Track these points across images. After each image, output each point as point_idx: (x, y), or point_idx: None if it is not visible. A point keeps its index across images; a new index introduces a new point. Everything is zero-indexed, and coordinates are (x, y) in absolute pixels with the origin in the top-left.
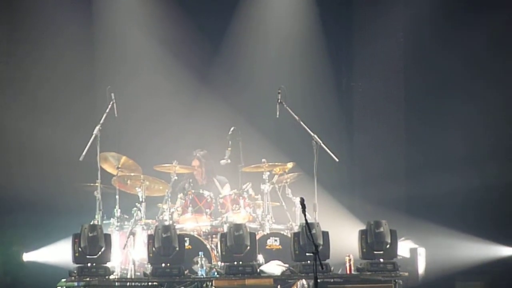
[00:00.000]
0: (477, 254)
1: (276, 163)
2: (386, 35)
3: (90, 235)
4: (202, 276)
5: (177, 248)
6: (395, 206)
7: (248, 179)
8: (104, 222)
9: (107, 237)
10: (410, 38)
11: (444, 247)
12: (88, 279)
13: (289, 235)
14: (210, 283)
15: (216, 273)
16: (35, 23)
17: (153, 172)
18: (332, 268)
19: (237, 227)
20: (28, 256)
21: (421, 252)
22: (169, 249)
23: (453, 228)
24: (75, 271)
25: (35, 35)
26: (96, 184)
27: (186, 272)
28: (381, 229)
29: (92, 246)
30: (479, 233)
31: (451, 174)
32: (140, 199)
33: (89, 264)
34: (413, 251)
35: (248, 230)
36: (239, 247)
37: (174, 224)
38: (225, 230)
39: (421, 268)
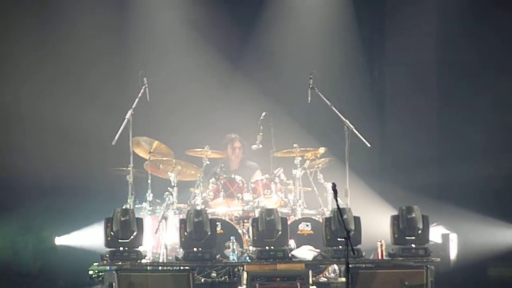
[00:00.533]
0: (510, 240)
1: (308, 148)
2: (419, 21)
3: (122, 219)
4: (233, 261)
5: (209, 233)
6: (427, 192)
7: (279, 164)
8: (136, 206)
9: (139, 221)
10: (442, 25)
11: (476, 233)
12: (120, 263)
13: (321, 220)
14: (242, 268)
15: (247, 258)
16: (67, 8)
17: (185, 156)
18: (363, 254)
19: (269, 212)
20: (60, 240)
21: (453, 238)
22: (200, 233)
23: (485, 214)
24: (107, 255)
25: (67, 20)
26: (129, 168)
27: (217, 256)
28: (413, 215)
29: (124, 230)
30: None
31: (483, 161)
32: (172, 184)
33: (121, 248)
34: (445, 236)
35: (280, 215)
36: (271, 232)
37: (206, 208)
38: (257, 215)
39: (453, 254)
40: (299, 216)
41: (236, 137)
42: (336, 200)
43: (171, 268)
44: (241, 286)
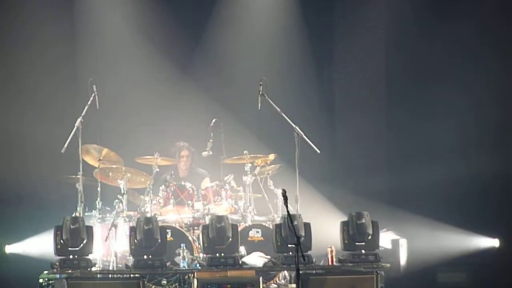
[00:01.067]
0: (459, 245)
1: (258, 155)
2: (368, 25)
3: (72, 227)
4: (184, 268)
5: (159, 240)
6: (377, 197)
7: (230, 171)
8: (86, 214)
9: (89, 229)
10: (392, 29)
11: (426, 238)
12: (70, 271)
13: (271, 227)
14: (192, 275)
15: (198, 265)
16: (16, 16)
17: (135, 164)
18: (314, 260)
19: (219, 219)
20: (11, 248)
21: (403, 243)
22: (151, 241)
23: (435, 219)
24: (57, 263)
25: (16, 28)
26: (78, 176)
27: (168, 264)
28: (363, 220)
29: (74, 238)
30: (461, 224)
31: (433, 165)
32: (122, 191)
33: (71, 256)
34: (395, 242)
35: (230, 221)
36: (221, 238)
37: (156, 216)
38: (207, 222)
39: (403, 259)
40: (249, 223)
41: (184, 146)
42: (286, 207)
43: (121, 276)
44: None
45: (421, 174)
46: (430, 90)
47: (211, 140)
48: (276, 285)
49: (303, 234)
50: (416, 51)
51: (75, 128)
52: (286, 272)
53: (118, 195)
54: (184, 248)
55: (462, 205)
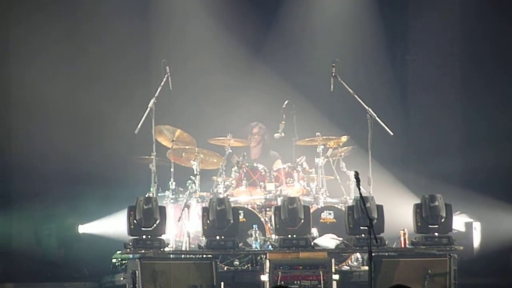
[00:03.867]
0: None
1: (330, 137)
2: (442, 6)
3: (145, 207)
4: (256, 249)
5: (232, 221)
6: (450, 180)
7: (302, 153)
8: (159, 194)
9: (162, 210)
10: (467, 9)
11: (500, 221)
12: (143, 251)
13: (343, 209)
14: (264, 256)
15: (270, 246)
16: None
17: (208, 145)
18: (386, 242)
19: (291, 200)
20: (84, 228)
21: (477, 226)
22: (223, 221)
23: (509, 202)
24: (130, 243)
25: (89, 8)
26: (151, 157)
27: (240, 244)
28: (436, 203)
29: (147, 219)
30: None
31: (508, 148)
32: (195, 172)
33: (144, 236)
34: (468, 225)
35: (302, 203)
36: (293, 220)
37: (229, 197)
38: (279, 203)
39: (476, 242)
40: (321, 205)
41: (256, 124)
42: (359, 189)
43: (193, 256)
44: (263, 274)
45: (495, 156)
46: (506, 72)
47: (283, 122)
48: (348, 267)
49: (375, 216)
50: (492, 32)
51: (148, 109)
52: (358, 254)
53: (191, 176)
54: (256, 229)
55: None
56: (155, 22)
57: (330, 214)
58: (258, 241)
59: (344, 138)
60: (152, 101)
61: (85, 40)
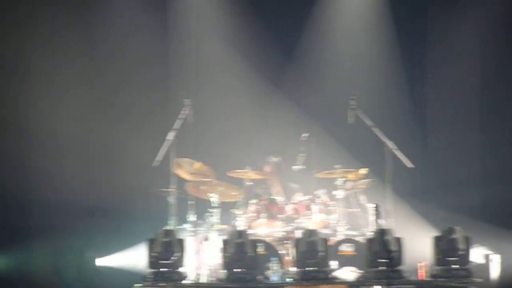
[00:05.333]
0: None
1: (350, 169)
2: (462, 39)
3: (164, 240)
4: (275, 282)
5: (251, 254)
6: (469, 213)
7: (321, 185)
8: (178, 227)
9: (181, 242)
10: (486, 43)
11: None
12: (162, 284)
13: (363, 241)
14: None
15: (289, 279)
16: (111, 31)
17: (226, 178)
18: (405, 275)
19: (310, 233)
20: (102, 261)
21: (496, 259)
22: (242, 254)
23: None
24: (149, 276)
25: (112, 42)
26: (171, 189)
27: (259, 277)
28: (455, 236)
29: (166, 252)
30: None
31: None
32: (214, 205)
33: (163, 269)
34: (487, 257)
35: (322, 236)
36: (313, 252)
37: (248, 229)
38: (299, 235)
39: (495, 275)
40: (341, 237)
41: (268, 162)
42: (378, 221)
43: None
44: None
45: None
46: None
47: (303, 154)
48: None
49: (395, 249)
50: (508, 67)
51: (167, 141)
52: (377, 287)
53: (210, 209)
54: (276, 261)
55: None
56: (176, 55)
57: (349, 246)
58: (278, 273)
59: (363, 171)
60: (171, 133)
61: (106, 76)
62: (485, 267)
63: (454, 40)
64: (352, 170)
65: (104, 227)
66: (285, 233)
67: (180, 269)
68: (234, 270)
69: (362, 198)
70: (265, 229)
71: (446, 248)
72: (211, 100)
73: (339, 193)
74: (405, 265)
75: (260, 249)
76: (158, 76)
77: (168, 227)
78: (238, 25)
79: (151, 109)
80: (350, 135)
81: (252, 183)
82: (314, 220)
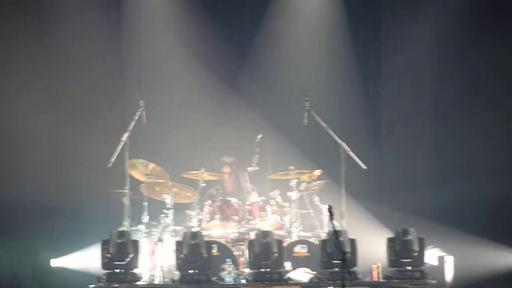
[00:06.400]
0: (506, 262)
1: (304, 171)
2: (415, 41)
3: (118, 241)
4: (229, 283)
5: (205, 255)
6: (423, 214)
7: (275, 186)
8: (132, 228)
9: (136, 244)
10: (438, 45)
11: (472, 255)
12: (116, 285)
13: (317, 243)
14: None
15: (243, 280)
16: (64, 31)
17: (181, 179)
18: (359, 276)
19: (265, 234)
20: (57, 262)
21: (449, 260)
22: (197, 255)
23: (481, 236)
24: (103, 277)
25: (64, 42)
26: (125, 190)
27: (213, 278)
28: (409, 237)
29: (120, 253)
30: (508, 241)
31: (480, 182)
32: (168, 206)
33: (117, 270)
34: (441, 259)
35: (276, 237)
36: (267, 254)
37: (202, 231)
38: (253, 237)
39: (449, 276)
40: (295, 239)
41: (226, 162)
42: (332, 222)
43: None
44: None
45: (468, 190)
46: (477, 107)
47: (257, 156)
48: None
49: (349, 250)
50: (463, 67)
51: (121, 142)
52: None
53: (164, 210)
54: (230, 263)
55: (509, 222)
56: (130, 58)
57: (303, 248)
58: (232, 275)
59: (317, 172)
60: (125, 134)
61: (62, 75)
62: (439, 269)
63: (408, 34)
64: (306, 171)
65: (59, 228)
66: (239, 235)
67: (135, 270)
68: (189, 271)
69: (316, 199)
70: (219, 230)
71: (400, 250)
72: (164, 100)
73: (293, 195)
74: (359, 267)
75: (214, 251)
76: (111, 75)
77: (122, 228)
78: (193, 23)
79: (105, 108)
80: (304, 136)
81: (205, 184)
82: (268, 222)
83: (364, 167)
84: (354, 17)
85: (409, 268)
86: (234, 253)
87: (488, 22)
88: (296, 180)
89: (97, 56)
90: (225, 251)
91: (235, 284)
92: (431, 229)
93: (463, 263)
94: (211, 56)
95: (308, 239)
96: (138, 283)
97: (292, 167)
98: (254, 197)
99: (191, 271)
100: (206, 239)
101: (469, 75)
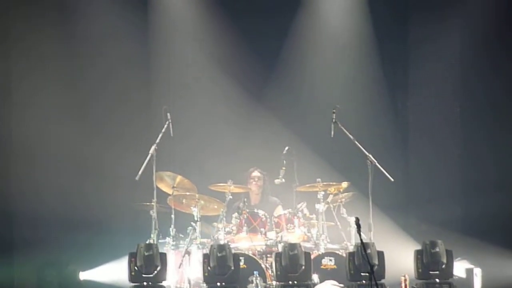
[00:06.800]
0: None
1: (331, 183)
2: (442, 55)
3: (146, 254)
4: None
5: (232, 267)
6: (451, 226)
7: (302, 199)
8: (159, 241)
9: (163, 256)
10: (466, 58)
11: (501, 267)
12: None
13: (344, 255)
14: None
15: None
16: (89, 41)
17: (208, 191)
18: None
19: (292, 246)
20: (85, 275)
21: (477, 273)
22: (224, 268)
23: (510, 248)
24: None
25: (90, 53)
26: (152, 203)
27: None
28: (437, 249)
29: (148, 265)
30: None
31: (509, 193)
32: (195, 218)
33: (145, 283)
34: (469, 271)
35: (303, 249)
36: (294, 266)
37: (229, 243)
38: (280, 249)
39: None
40: (322, 251)
41: (255, 169)
42: (360, 235)
43: None
44: None
45: (495, 202)
46: (506, 118)
47: (283, 168)
48: None
49: (376, 262)
50: (488, 82)
51: (149, 155)
52: None
53: (192, 222)
54: (257, 275)
55: None
56: (156, 69)
57: (331, 260)
58: (259, 287)
59: (344, 184)
60: (153, 147)
61: (87, 87)
62: (467, 281)
63: (436, 54)
64: (333, 183)
65: (86, 241)
66: (266, 247)
67: (162, 283)
68: (216, 284)
69: (343, 211)
70: (246, 243)
71: (428, 262)
72: (191, 112)
73: (320, 207)
74: (387, 279)
75: (242, 263)
76: (138, 86)
77: (149, 241)
78: (219, 34)
79: (133, 123)
80: (331, 149)
81: (232, 196)
82: (295, 234)
83: (391, 179)
84: (381, 29)
85: (437, 280)
86: (261, 265)
87: (510, 41)
88: (323, 192)
89: (123, 67)
90: (253, 264)
91: None
92: (459, 241)
93: (492, 275)
94: (237, 68)
95: (336, 252)
96: None
97: (319, 179)
98: (279, 211)
99: (219, 284)
100: (234, 251)
101: (498, 86)
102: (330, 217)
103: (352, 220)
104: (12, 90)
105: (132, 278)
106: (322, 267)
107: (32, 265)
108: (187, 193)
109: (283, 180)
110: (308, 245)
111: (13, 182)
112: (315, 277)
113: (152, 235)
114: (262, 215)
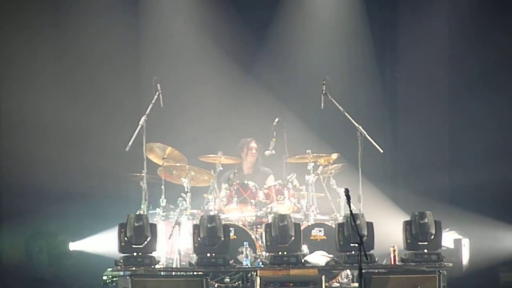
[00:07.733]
0: None
1: (321, 154)
2: (431, 25)
3: (136, 225)
4: (247, 266)
5: (222, 238)
6: (440, 197)
7: (292, 170)
8: (150, 212)
9: (153, 227)
10: (455, 29)
11: (489, 238)
12: (133, 268)
13: (334, 226)
14: (255, 273)
15: (260, 263)
16: (79, 12)
17: (198, 162)
18: (376, 259)
19: (282, 217)
20: (74, 246)
21: (466, 243)
22: (214, 239)
23: (497, 219)
24: (121, 261)
25: (82, 32)
26: (142, 174)
27: (231, 262)
28: (426, 220)
29: (138, 236)
30: None
31: (496, 164)
32: (186, 189)
33: (134, 254)
34: (457, 242)
35: (293, 220)
36: (284, 237)
37: (219, 214)
38: (270, 220)
39: (465, 259)
40: (312, 222)
41: (252, 139)
42: (349, 206)
43: (184, 274)
44: None
45: (484, 173)
46: (493, 89)
47: (274, 139)
48: (338, 284)
49: (365, 233)
50: (482, 50)
51: (139, 126)
52: (348, 271)
53: (182, 193)
54: (247, 246)
55: None
56: (145, 39)
57: (320, 231)
58: (249, 258)
59: (334, 156)
60: (143, 118)
61: (76, 58)
62: (455, 252)
63: (424, 27)
64: (323, 155)
65: (76, 212)
66: (256, 218)
67: (152, 254)
68: (206, 254)
69: (333, 182)
70: (236, 214)
71: (416, 233)
72: (183, 85)
73: (310, 178)
74: (376, 250)
75: (232, 234)
76: (129, 61)
77: (139, 212)
78: (209, 6)
79: (123, 93)
80: (321, 120)
81: (222, 168)
82: (285, 205)
83: (381, 150)
84: (371, 3)
85: (426, 251)
86: (251, 236)
87: (496, 15)
88: (313, 164)
89: (112, 38)
90: (243, 235)
91: (253, 267)
92: (447, 212)
93: (480, 246)
94: (228, 40)
95: (325, 223)
96: (155, 266)
97: (309, 151)
98: (271, 181)
99: (209, 255)
100: (224, 222)
101: (486, 56)
102: (320, 188)
103: (341, 191)
104: (5, 66)
105: (122, 249)
106: (311, 237)
107: (21, 236)
108: (177, 164)
109: (273, 151)
110: (298, 216)
111: (2, 155)
112: (304, 248)
113: (142, 206)
114: (252, 186)
